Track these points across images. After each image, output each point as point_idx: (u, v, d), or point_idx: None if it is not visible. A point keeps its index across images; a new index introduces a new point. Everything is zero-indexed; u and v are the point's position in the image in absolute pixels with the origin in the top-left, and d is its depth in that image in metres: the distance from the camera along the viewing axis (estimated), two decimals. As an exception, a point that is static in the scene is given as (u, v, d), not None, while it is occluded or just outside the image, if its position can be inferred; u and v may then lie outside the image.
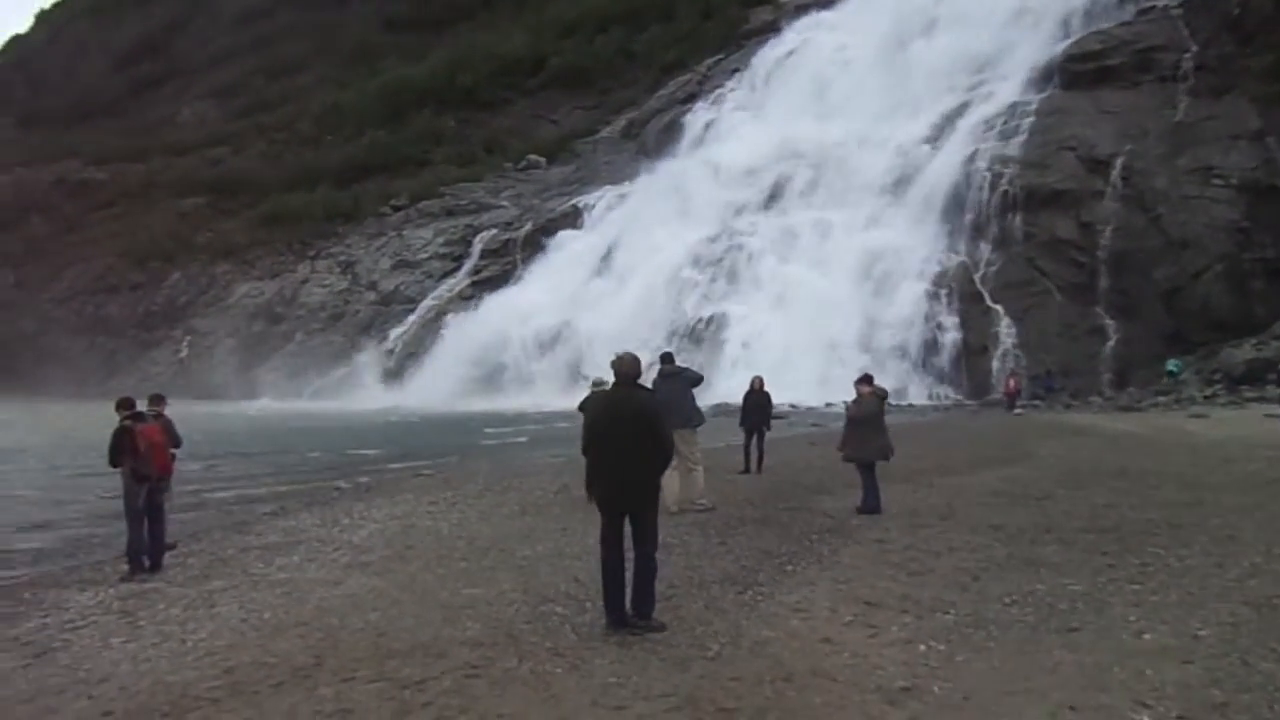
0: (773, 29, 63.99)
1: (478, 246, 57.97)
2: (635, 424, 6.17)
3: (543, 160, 67.01)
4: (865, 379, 10.90)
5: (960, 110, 46.03)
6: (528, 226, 57.01)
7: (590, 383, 13.32)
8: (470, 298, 54.46)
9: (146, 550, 9.62)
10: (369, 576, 8.42)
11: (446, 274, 58.02)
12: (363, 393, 49.61)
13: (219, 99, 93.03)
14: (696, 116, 59.73)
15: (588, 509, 12.09)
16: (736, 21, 68.81)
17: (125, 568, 9.60)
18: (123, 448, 9.65)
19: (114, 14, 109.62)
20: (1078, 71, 43.64)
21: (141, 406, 10.37)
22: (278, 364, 55.88)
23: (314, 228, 66.94)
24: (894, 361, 38.01)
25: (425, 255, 60.03)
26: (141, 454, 9.58)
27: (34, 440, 30.55)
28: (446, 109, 76.24)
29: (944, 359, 38.09)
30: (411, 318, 54.98)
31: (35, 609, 8.23)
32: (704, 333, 43.44)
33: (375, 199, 67.92)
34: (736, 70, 62.68)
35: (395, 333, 54.61)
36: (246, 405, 48.10)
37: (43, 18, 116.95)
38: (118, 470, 9.80)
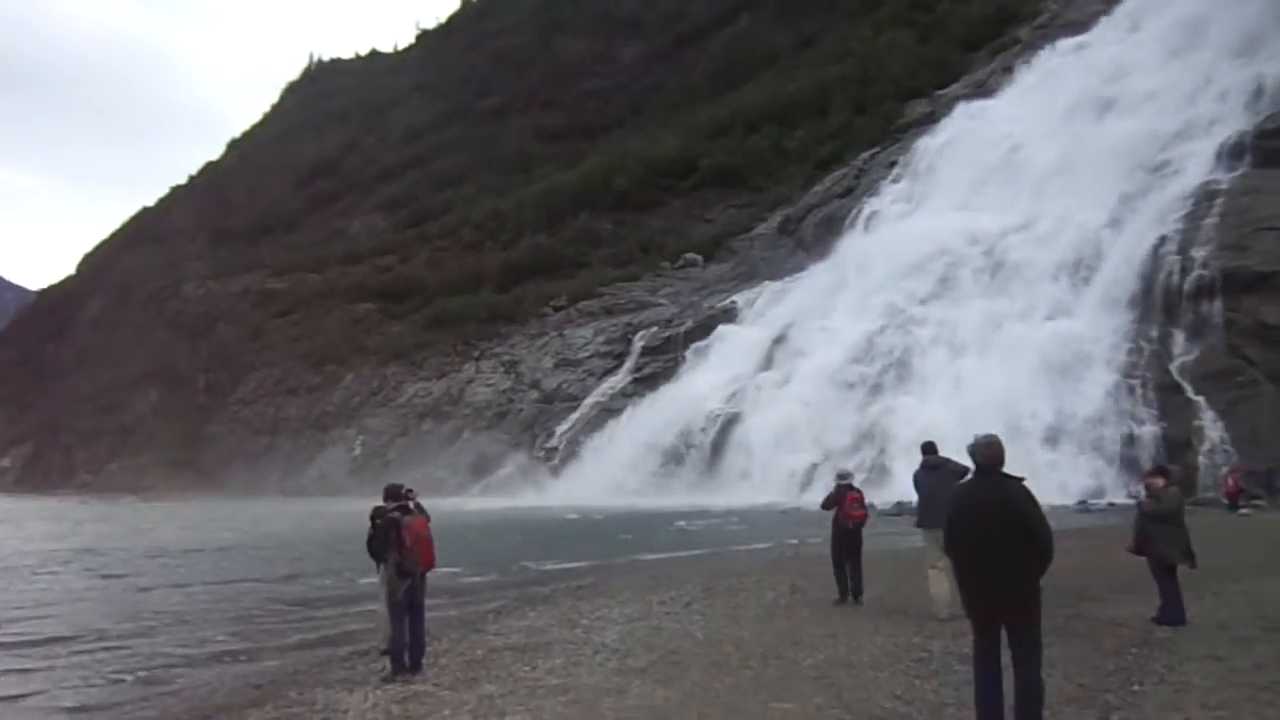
0: (930, 120, 63.50)
1: (638, 344, 58.53)
2: (1004, 519, 5.51)
3: (699, 258, 67.68)
4: (1160, 471, 9.99)
5: (1142, 192, 44.15)
6: (688, 323, 57.31)
7: (837, 476, 12.71)
8: (632, 395, 54.76)
9: (407, 648, 9.43)
10: (651, 685, 7.98)
11: (608, 372, 58.69)
12: (530, 489, 50.09)
13: (387, 211, 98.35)
14: (856, 209, 59.37)
15: (839, 613, 11.61)
16: (892, 115, 68.65)
17: (383, 666, 9.42)
18: (389, 541, 9.47)
19: (294, 138, 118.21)
20: (1273, 148, 41.30)
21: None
22: (446, 461, 57.20)
23: (478, 329, 69.17)
24: (1086, 458, 35.84)
25: (586, 354, 60.98)
26: (407, 548, 9.36)
27: (232, 537, 31.68)
28: (602, 212, 78.32)
29: (1143, 455, 35.65)
30: (575, 415, 55.61)
31: (310, 711, 8.08)
32: (875, 428, 42.19)
33: (536, 300, 69.84)
34: (894, 162, 62.24)
35: (560, 429, 55.27)
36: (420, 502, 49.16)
37: (233, 145, 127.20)
38: (379, 564, 9.73)
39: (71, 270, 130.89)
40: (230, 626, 13.60)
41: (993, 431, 5.94)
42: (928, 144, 60.21)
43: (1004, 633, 5.56)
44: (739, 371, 50.00)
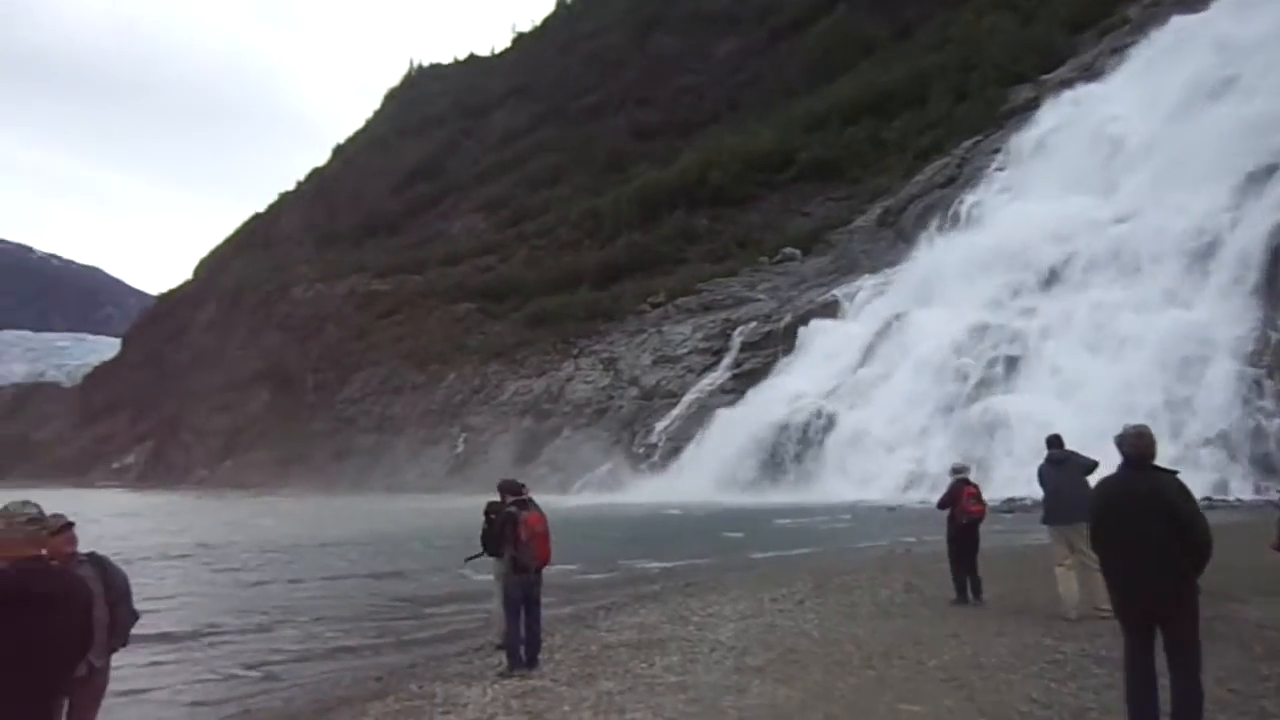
0: (1035, 105, 61.51)
1: (737, 340, 58.19)
2: (1157, 513, 5.18)
3: (798, 252, 66.95)
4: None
5: (1267, 173, 41.94)
6: (787, 318, 56.74)
7: (951, 470, 12.35)
8: (731, 390, 54.48)
9: (523, 643, 9.47)
10: (772, 684, 7.84)
11: (707, 368, 58.51)
12: (630, 486, 50.27)
13: (486, 212, 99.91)
14: (959, 199, 57.92)
15: (959, 612, 11.28)
16: (995, 102, 66.77)
17: (499, 661, 9.49)
18: (505, 536, 9.50)
19: (395, 143, 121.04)
20: None
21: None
22: (547, 458, 57.81)
23: (577, 327, 69.71)
24: (1209, 452, 34.22)
25: (685, 350, 60.90)
26: (523, 543, 9.38)
27: (346, 533, 32.48)
28: (698, 208, 78.09)
29: (1272, 449, 33.90)
30: (675, 411, 55.59)
31: (431, 705, 8.16)
32: (981, 423, 41.07)
33: (634, 297, 70.04)
34: (998, 150, 60.50)
35: (660, 426, 55.31)
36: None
37: (338, 151, 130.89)
38: (489, 558, 9.82)
39: (188, 275, 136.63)
40: (344, 622, 13.88)
41: (1118, 425, 5.65)
42: (1033, 130, 58.35)
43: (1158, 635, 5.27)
44: (839, 366, 49.29)
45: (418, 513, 39.80)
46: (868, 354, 48.81)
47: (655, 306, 67.58)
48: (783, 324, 56.52)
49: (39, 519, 4.63)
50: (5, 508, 4.72)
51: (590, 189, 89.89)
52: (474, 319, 78.98)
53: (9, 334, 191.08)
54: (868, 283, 55.87)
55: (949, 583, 11.87)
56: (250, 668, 10.80)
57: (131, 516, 42.53)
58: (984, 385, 42.66)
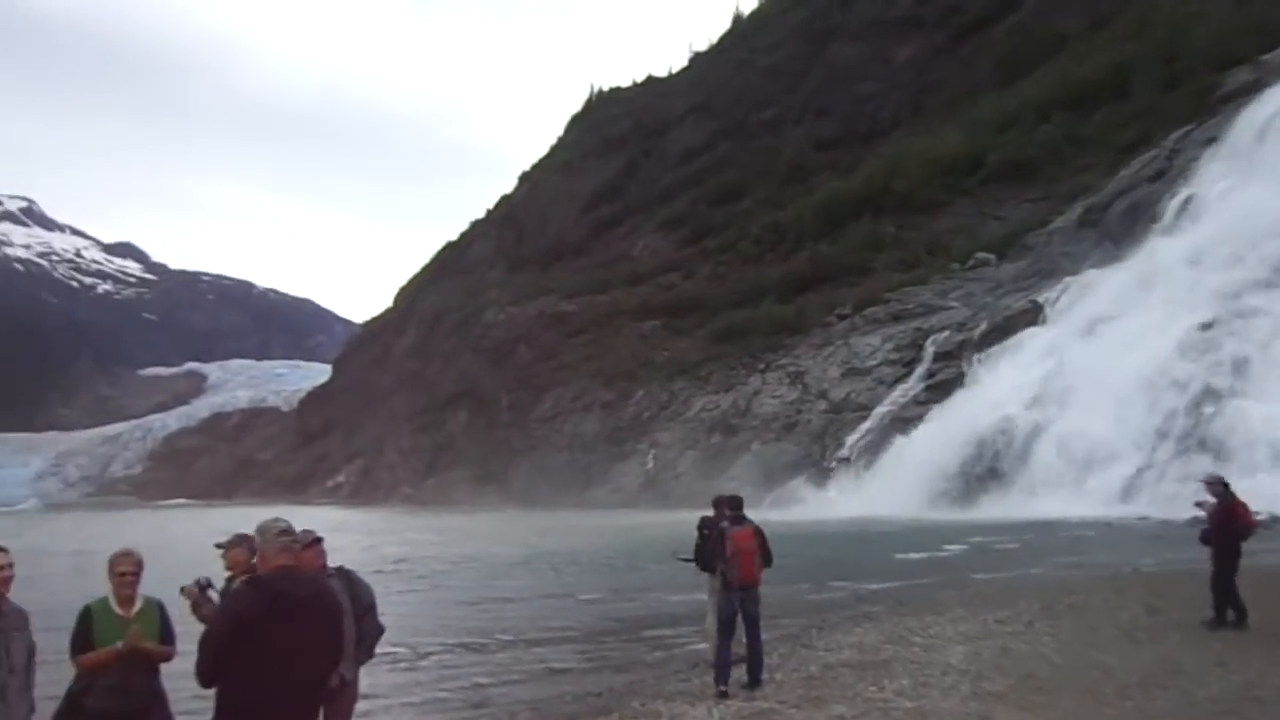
0: (1255, 88, 56.79)
1: (930, 350, 56.24)
2: None
3: (992, 257, 64.19)
4: None
5: None
6: (982, 326, 54.43)
7: (1206, 482, 11.39)
8: (925, 402, 52.67)
9: (743, 662, 9.31)
10: (1017, 712, 7.40)
11: (898, 379, 56.83)
12: (821, 501, 49.34)
13: (668, 230, 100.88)
14: (1170, 193, 54.09)
15: (1219, 638, 10.32)
16: (1208, 88, 62.02)
17: (715, 681, 9.33)
18: (718, 552, 9.39)
19: (578, 167, 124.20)
20: None
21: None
22: (735, 474, 57.55)
23: (762, 341, 69.20)
24: None
25: (874, 362, 59.40)
26: (728, 558, 9.26)
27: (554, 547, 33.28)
28: (884, 216, 76.17)
29: None
30: (866, 424, 54.22)
31: None
32: (1206, 432, 38.09)
33: (819, 309, 68.93)
34: (1213, 139, 56.12)
35: (850, 440, 54.08)
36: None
37: (524, 178, 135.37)
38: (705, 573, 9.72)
39: (389, 303, 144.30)
40: (556, 641, 13.95)
41: None
42: (1254, 115, 53.84)
43: None
44: (1042, 373, 46.80)
45: (616, 529, 40.36)
46: (1073, 360, 46.14)
47: (842, 318, 66.25)
48: (978, 331, 54.23)
49: (290, 531, 4.95)
50: (260, 524, 5.06)
51: (772, 202, 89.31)
52: (660, 336, 79.75)
53: (235, 363, 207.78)
54: (1071, 285, 52.94)
55: (1194, 604, 10.96)
56: (468, 684, 10.94)
57: (344, 531, 45.07)
58: (1209, 391, 39.60)
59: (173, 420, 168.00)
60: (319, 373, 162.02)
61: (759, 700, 8.59)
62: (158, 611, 5.55)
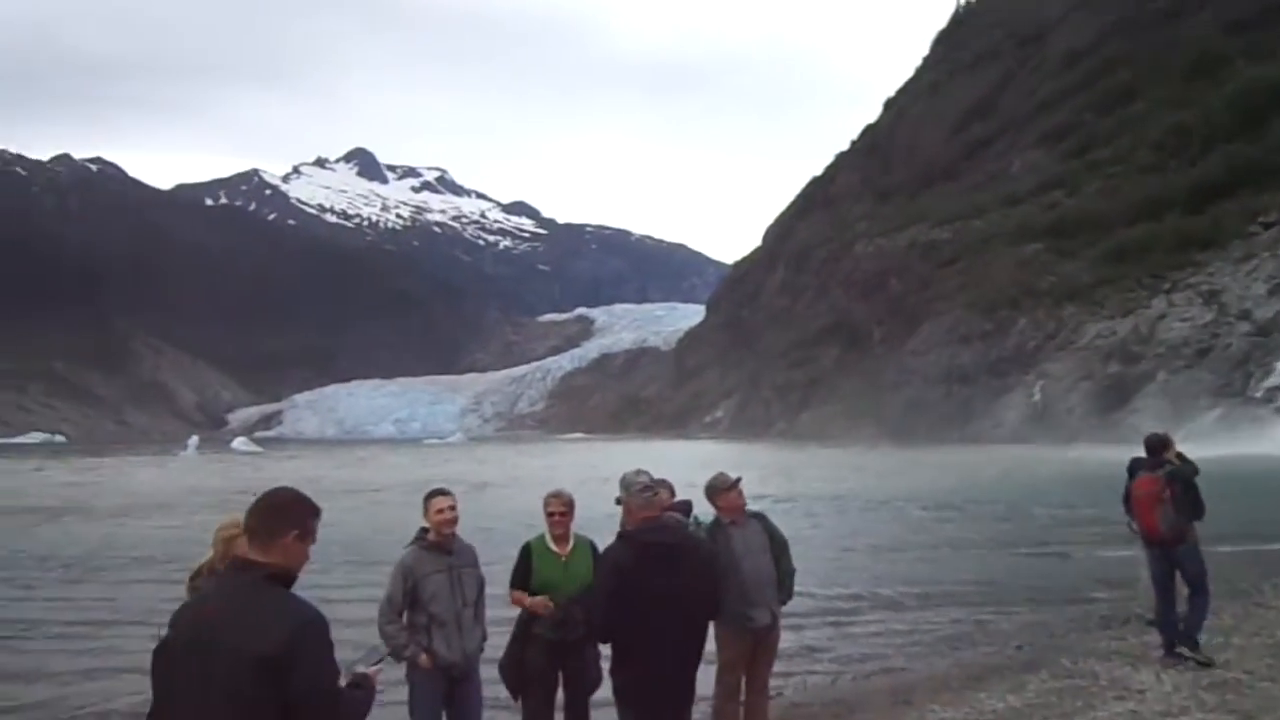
0: None
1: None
2: None
3: None
4: None
5: None
6: None
7: None
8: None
9: (1176, 625, 8.37)
10: None
11: (1342, 294, 48.80)
12: (1245, 436, 43.74)
13: (1048, 144, 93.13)
14: None
15: None
16: None
17: (1154, 639, 8.47)
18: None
19: (946, 87, 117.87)
20: None
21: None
22: (1139, 406, 52.62)
23: (1166, 259, 62.22)
24: None
25: (1311, 275, 51.39)
26: (1131, 509, 8.35)
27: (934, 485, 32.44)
28: (1318, 104, 65.04)
29: None
30: (1301, 348, 47.24)
31: (1096, 685, 7.40)
32: None
33: (1238, 219, 60.57)
34: None
35: (1281, 367, 47.43)
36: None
37: (889, 104, 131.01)
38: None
39: (758, 242, 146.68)
40: (961, 587, 13.36)
41: None
42: None
43: None
44: None
45: (1008, 467, 38.32)
46: None
47: (1268, 227, 57.74)
48: None
49: (650, 487, 5.25)
50: (624, 478, 5.31)
51: (1173, 101, 79.18)
52: (1043, 260, 74.21)
53: (618, 307, 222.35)
54: None
55: None
56: (882, 638, 10.44)
57: (727, 467, 46.59)
58: None
59: (566, 362, 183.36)
60: (694, 314, 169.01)
61: (1220, 669, 7.61)
62: (589, 550, 5.86)
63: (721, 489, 6.00)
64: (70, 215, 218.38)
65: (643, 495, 5.16)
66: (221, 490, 33.61)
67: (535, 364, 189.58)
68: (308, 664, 2.74)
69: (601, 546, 5.64)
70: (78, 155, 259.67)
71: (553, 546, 5.81)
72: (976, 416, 65.17)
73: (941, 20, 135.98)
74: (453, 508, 5.52)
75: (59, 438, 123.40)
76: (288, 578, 2.93)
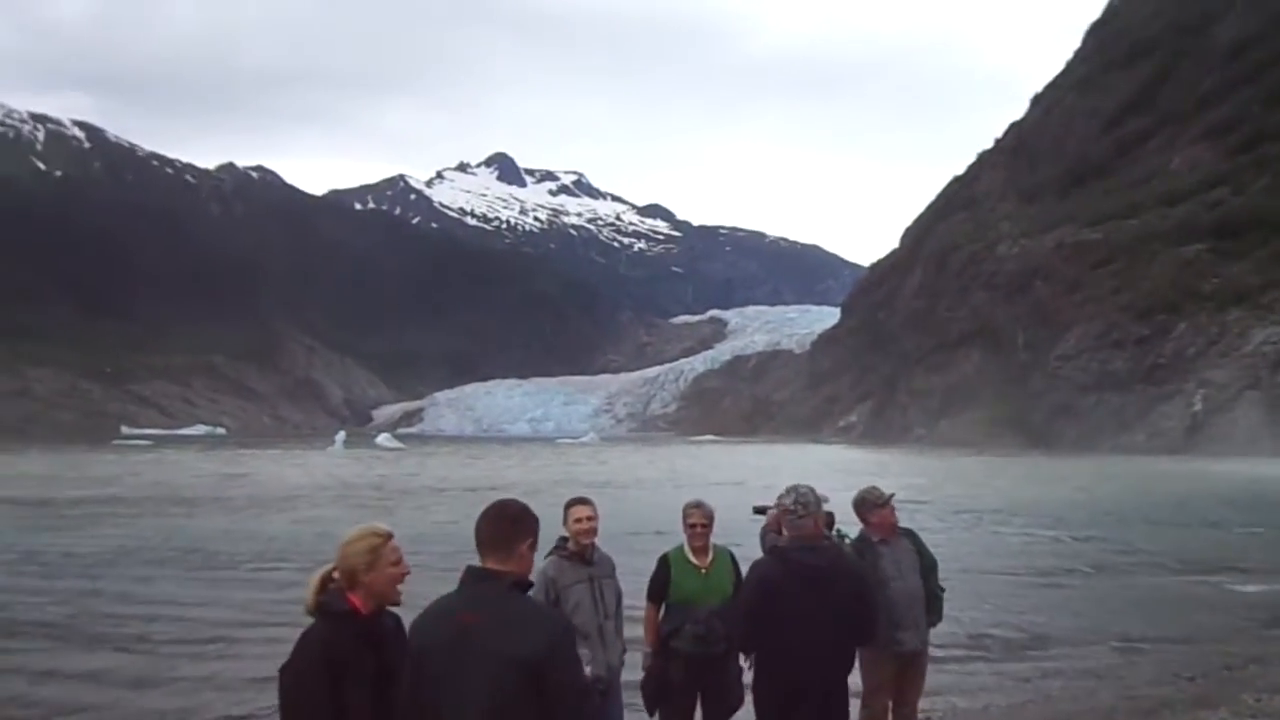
0: None
1: None
2: None
3: None
4: None
5: None
6: None
7: None
8: None
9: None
10: None
11: None
12: None
13: (1212, 140, 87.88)
14: None
15: None
16: None
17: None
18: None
19: (1099, 81, 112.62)
20: None
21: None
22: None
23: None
24: None
25: None
26: None
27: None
28: None
29: None
30: None
31: None
32: None
33: None
34: None
35: None
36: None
37: (1036, 100, 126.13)
38: None
39: (894, 244, 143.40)
40: (1111, 609, 12.68)
41: None
42: None
43: None
44: None
45: (1167, 481, 36.25)
46: None
47: None
48: None
49: (792, 510, 4.91)
50: (780, 495, 5.04)
51: (1356, 91, 73.73)
52: (1205, 261, 70.04)
53: (750, 309, 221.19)
54: None
55: None
56: (1019, 673, 9.49)
57: (871, 475, 45.33)
58: None
59: (699, 363, 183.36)
60: (828, 316, 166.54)
61: None
62: (729, 560, 5.69)
63: (874, 505, 5.77)
64: (233, 220, 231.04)
65: (787, 518, 4.93)
66: (380, 486, 35.19)
67: (668, 365, 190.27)
68: (565, 666, 3.02)
69: (739, 556, 5.50)
70: (240, 163, 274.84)
71: (692, 558, 5.63)
72: (1130, 426, 62.06)
73: (1093, 13, 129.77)
74: (591, 517, 5.38)
75: (219, 430, 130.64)
76: (526, 584, 3.19)
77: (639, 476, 41.72)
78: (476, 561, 3.22)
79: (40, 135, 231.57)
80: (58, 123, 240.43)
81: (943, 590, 5.99)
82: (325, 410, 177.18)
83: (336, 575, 3.26)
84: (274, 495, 31.58)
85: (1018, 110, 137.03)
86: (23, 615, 12.36)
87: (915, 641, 5.70)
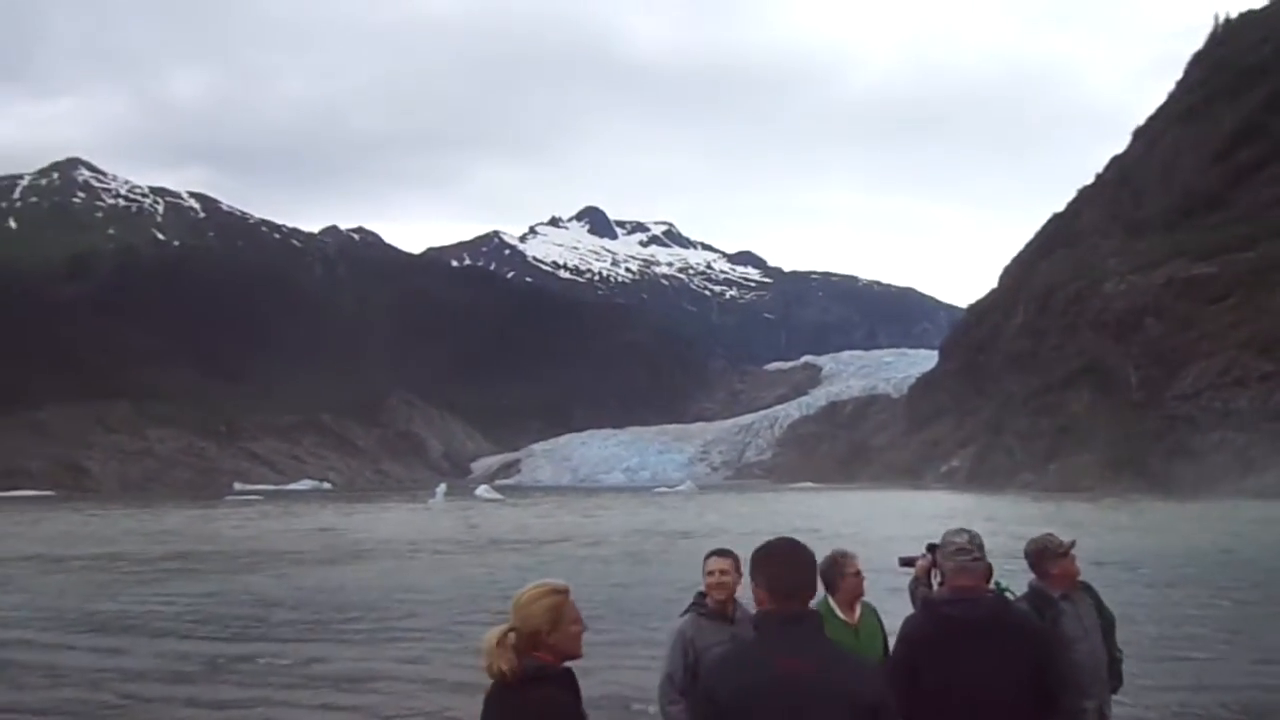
0: None
1: None
2: None
3: None
4: None
5: None
6: None
7: None
8: None
9: None
10: None
11: None
12: None
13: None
14: None
15: None
16: None
17: None
18: None
19: (1206, 111, 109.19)
20: None
21: None
22: None
23: None
24: None
25: None
26: None
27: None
28: None
29: None
30: None
31: None
32: None
33: None
34: None
35: None
36: None
37: (1139, 133, 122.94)
38: None
39: (993, 284, 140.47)
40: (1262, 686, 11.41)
41: None
42: None
43: None
44: None
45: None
46: None
47: None
48: None
49: (966, 550, 4.33)
50: (945, 535, 4.49)
51: None
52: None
53: (845, 354, 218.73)
54: None
55: None
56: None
57: (970, 521, 43.94)
58: None
59: (794, 410, 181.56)
60: (925, 359, 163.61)
61: None
62: (876, 618, 5.36)
63: (1055, 554, 5.22)
64: (336, 281, 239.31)
65: (956, 559, 4.25)
66: (509, 540, 35.75)
67: (762, 412, 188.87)
68: (892, 709, 3.07)
69: (878, 611, 5.28)
70: (343, 226, 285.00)
71: (840, 614, 5.16)
72: (1257, 468, 59.05)
73: (1195, 43, 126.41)
74: (725, 571, 4.98)
75: (326, 485, 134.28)
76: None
77: (775, 525, 41.17)
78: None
79: (160, 208, 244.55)
80: (176, 195, 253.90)
81: (1121, 653, 5.49)
82: (425, 464, 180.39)
83: (513, 635, 3.10)
84: (399, 547, 32.16)
85: (1118, 145, 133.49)
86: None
87: (1096, 714, 5.12)
